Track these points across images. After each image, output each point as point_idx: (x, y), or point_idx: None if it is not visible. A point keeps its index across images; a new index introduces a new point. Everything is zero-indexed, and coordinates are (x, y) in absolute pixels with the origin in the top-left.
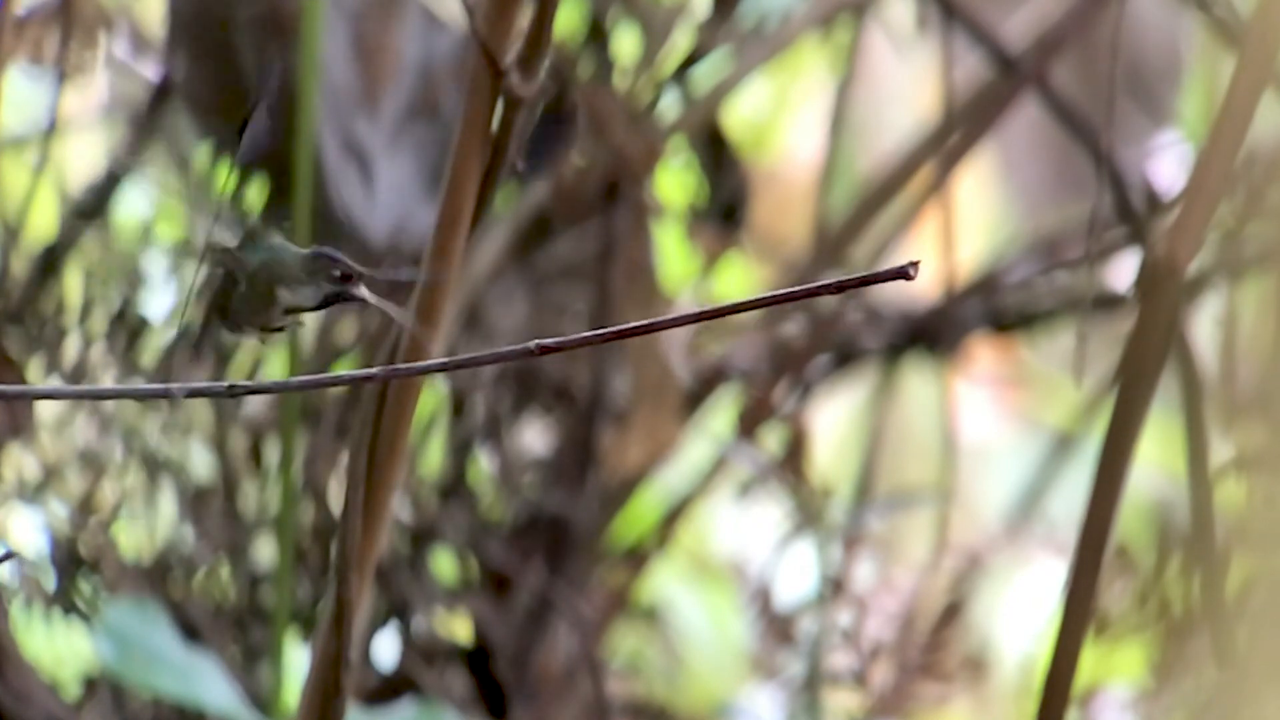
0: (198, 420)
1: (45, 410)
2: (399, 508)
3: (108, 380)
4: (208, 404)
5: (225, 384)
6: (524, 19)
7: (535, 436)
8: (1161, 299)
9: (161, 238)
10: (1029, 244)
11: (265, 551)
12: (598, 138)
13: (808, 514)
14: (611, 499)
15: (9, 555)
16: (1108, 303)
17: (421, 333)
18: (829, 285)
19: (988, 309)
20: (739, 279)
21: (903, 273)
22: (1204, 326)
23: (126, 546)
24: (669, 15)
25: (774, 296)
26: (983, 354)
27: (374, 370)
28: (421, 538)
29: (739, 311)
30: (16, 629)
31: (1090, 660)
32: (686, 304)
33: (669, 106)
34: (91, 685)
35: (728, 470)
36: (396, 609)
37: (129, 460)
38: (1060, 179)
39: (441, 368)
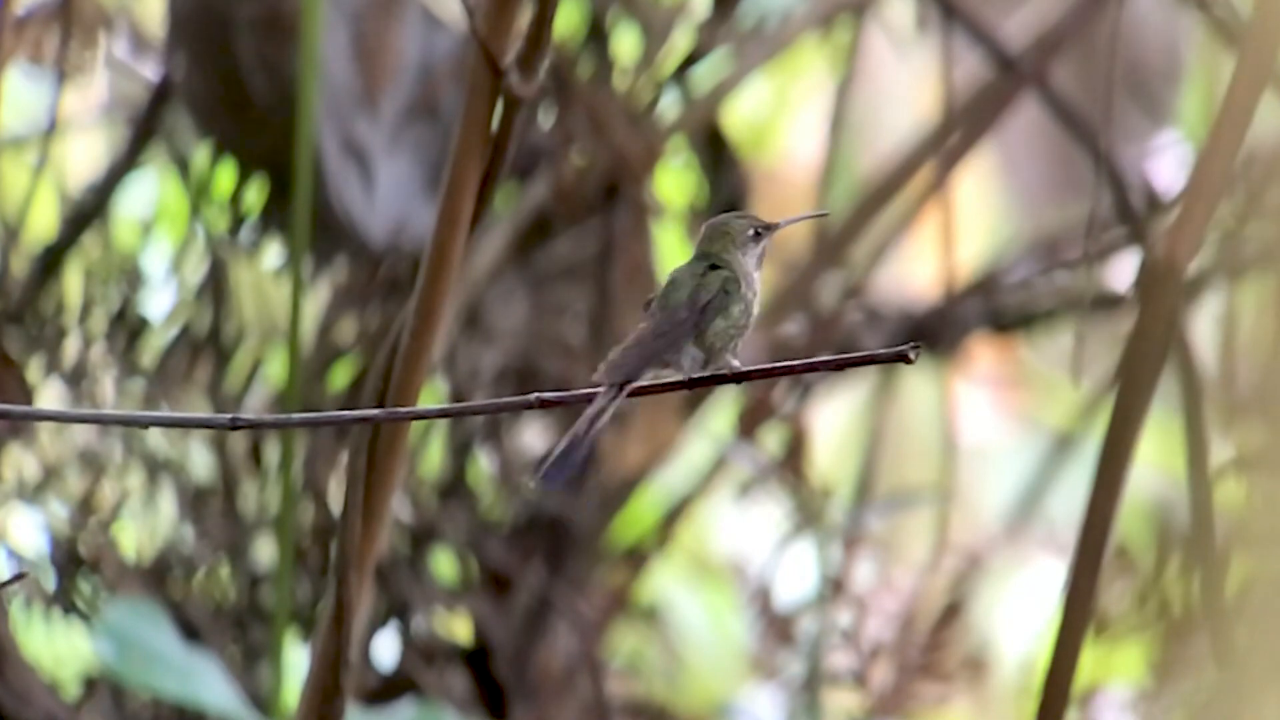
0: None
1: None
2: (399, 508)
3: (108, 381)
4: (208, 403)
5: (228, 417)
6: (524, 19)
7: (535, 436)
8: (1161, 299)
9: (161, 238)
10: (1029, 244)
11: (265, 551)
12: (598, 138)
13: (808, 514)
14: (611, 499)
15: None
16: (1108, 303)
17: (422, 333)
18: (828, 361)
19: (988, 309)
20: None
21: (902, 355)
22: (1204, 326)
23: (126, 546)
24: (669, 15)
25: (773, 368)
26: (983, 354)
27: (373, 412)
28: (421, 538)
29: (740, 381)
30: (16, 629)
31: (1090, 660)
32: None
33: (669, 106)
34: (91, 685)
35: (728, 470)
36: (396, 609)
37: (129, 460)
38: (1060, 179)
39: (441, 414)
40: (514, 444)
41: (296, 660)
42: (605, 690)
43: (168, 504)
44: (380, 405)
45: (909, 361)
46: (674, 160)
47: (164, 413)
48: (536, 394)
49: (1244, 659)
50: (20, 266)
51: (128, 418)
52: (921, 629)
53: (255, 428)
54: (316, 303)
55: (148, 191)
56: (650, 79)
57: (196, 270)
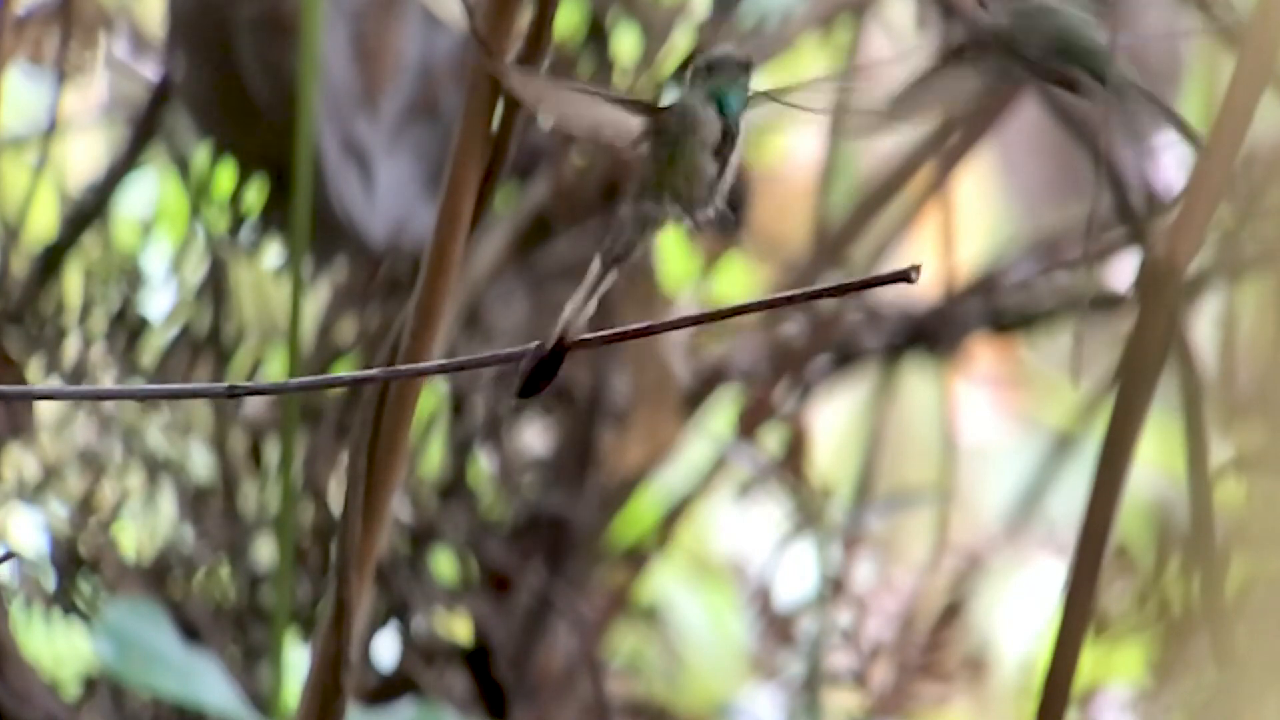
0: (198, 420)
1: (45, 410)
2: (399, 508)
3: (108, 381)
4: (208, 403)
5: (225, 385)
6: (524, 19)
7: (535, 436)
8: (1161, 299)
9: (161, 238)
10: (1029, 244)
11: (265, 551)
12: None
13: (808, 514)
14: (611, 499)
15: (9, 555)
16: (1108, 303)
17: (422, 333)
18: (830, 289)
19: (988, 309)
20: (739, 279)
21: (904, 276)
22: (1204, 326)
23: (126, 546)
24: (669, 15)
25: (774, 299)
26: (983, 354)
27: (373, 372)
28: (421, 538)
29: (740, 314)
30: (16, 629)
31: (1090, 660)
32: (687, 305)
33: None
34: (91, 685)
35: (728, 470)
36: (396, 609)
37: (129, 460)
38: (1060, 179)
39: (440, 369)
40: (514, 444)
41: (296, 660)
42: (605, 690)
43: (168, 504)
44: (381, 404)
45: (910, 282)
46: None
47: (158, 385)
48: (538, 343)
49: (1244, 659)
50: (20, 266)
51: (122, 392)
52: (921, 629)
53: (253, 395)
54: (316, 303)
55: (148, 191)
56: (650, 79)
57: (196, 270)
